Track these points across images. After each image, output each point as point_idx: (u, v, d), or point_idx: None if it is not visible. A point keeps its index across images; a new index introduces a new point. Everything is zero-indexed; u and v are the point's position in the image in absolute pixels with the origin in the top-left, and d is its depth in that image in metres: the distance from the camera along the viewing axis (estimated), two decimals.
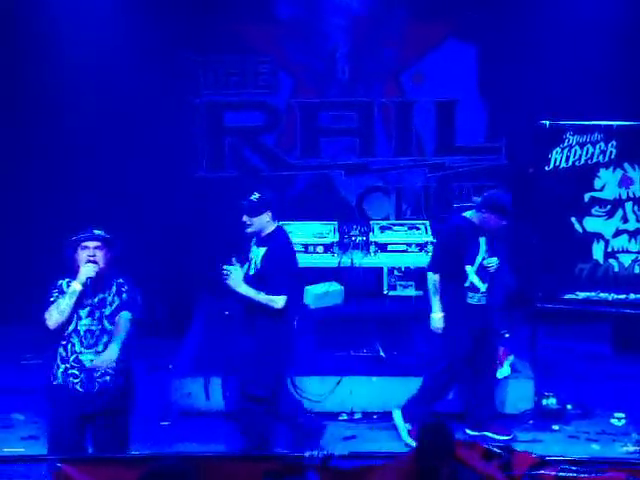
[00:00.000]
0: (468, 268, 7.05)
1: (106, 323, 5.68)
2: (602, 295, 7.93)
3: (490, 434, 7.24)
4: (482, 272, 7.07)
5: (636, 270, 7.88)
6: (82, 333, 5.65)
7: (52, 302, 5.67)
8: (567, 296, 7.96)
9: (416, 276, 9.02)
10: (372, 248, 9.03)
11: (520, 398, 7.71)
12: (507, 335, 8.11)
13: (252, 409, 6.60)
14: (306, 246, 8.92)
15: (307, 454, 4.69)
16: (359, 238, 9.03)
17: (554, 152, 7.86)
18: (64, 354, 5.67)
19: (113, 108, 9.24)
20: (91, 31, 9.21)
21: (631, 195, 7.84)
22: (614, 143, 7.80)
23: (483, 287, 7.08)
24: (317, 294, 8.90)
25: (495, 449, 4.76)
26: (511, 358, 7.86)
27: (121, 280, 5.83)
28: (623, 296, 7.89)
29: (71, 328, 5.66)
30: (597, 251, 7.93)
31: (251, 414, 6.62)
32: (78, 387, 5.62)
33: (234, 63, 9.80)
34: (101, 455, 5.25)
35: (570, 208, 7.89)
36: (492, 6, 9.31)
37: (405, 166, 10.01)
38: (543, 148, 7.86)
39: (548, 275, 7.94)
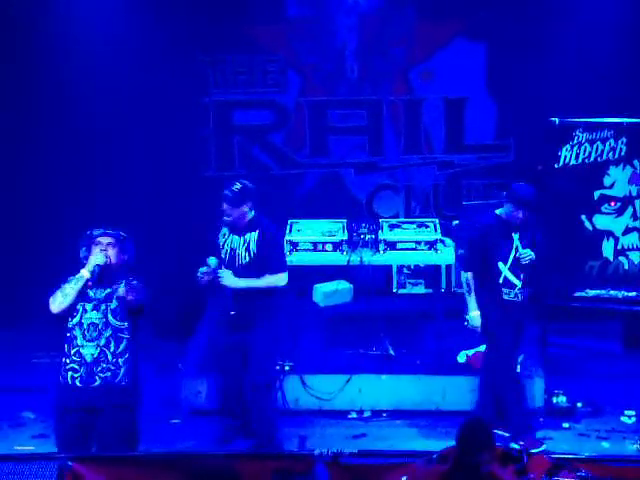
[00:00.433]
0: (500, 265, 6.99)
1: (110, 317, 5.67)
2: (612, 293, 7.92)
3: (499, 432, 7.20)
4: (516, 269, 6.99)
5: None
6: (85, 326, 5.65)
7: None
8: (577, 294, 7.95)
9: (426, 274, 9.01)
10: (381, 246, 8.97)
11: (530, 396, 7.69)
12: None
13: (262, 399, 6.68)
14: (315, 244, 8.88)
15: (317, 452, 4.69)
16: (368, 236, 8.98)
17: (564, 149, 7.85)
18: (66, 348, 5.68)
19: (123, 107, 9.28)
20: (101, 31, 9.28)
21: None
22: (624, 140, 7.79)
23: (519, 283, 7.01)
24: (326, 292, 8.88)
25: (512, 452, 4.71)
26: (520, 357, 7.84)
27: (131, 278, 5.83)
28: (633, 294, 7.87)
29: (75, 321, 5.66)
30: (607, 249, 7.92)
31: (262, 405, 6.68)
32: (77, 382, 5.62)
33: (243, 62, 9.82)
34: (111, 454, 5.22)
35: (580, 206, 7.88)
36: (500, 5, 9.33)
37: (414, 164, 10.00)
38: (552, 146, 7.86)
39: (558, 273, 7.91)
